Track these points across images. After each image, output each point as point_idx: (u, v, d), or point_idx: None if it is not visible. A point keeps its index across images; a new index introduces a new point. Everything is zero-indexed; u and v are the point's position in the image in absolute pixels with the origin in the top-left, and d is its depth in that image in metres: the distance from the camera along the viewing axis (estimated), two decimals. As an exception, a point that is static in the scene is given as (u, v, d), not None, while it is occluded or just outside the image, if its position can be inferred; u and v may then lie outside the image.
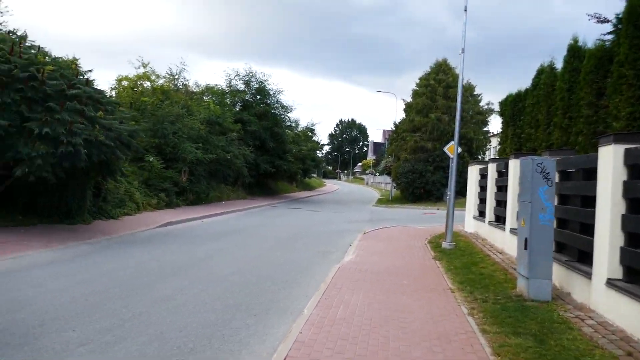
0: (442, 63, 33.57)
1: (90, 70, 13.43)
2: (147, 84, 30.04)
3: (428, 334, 5.54)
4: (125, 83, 32.17)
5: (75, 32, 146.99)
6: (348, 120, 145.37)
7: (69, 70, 12.52)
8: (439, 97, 32.57)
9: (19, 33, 13.51)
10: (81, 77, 12.73)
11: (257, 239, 14.05)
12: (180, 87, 34.86)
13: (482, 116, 33.42)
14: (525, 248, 7.11)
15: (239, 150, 25.84)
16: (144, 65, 32.44)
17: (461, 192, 34.37)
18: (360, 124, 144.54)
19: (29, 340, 5.14)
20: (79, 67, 13.26)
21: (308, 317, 6.11)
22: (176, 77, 34.33)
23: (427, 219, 23.21)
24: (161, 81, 33.33)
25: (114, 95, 35.08)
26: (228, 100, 31.99)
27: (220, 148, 24.04)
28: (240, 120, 30.97)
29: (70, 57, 14.30)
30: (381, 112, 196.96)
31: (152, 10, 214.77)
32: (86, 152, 11.17)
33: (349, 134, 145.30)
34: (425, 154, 32.69)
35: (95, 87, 13.01)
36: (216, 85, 33.52)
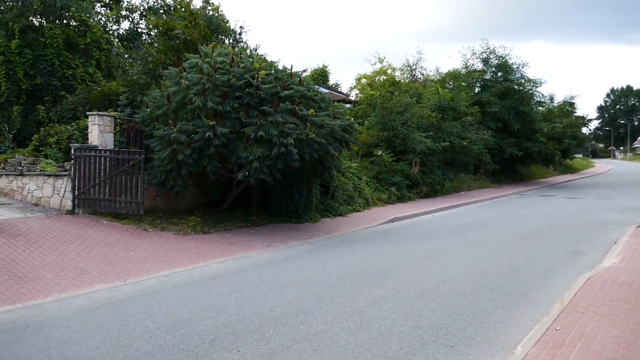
0: None
1: (304, 70, 13.46)
2: (384, 78, 30.15)
3: None
4: (364, 81, 33.12)
5: (326, 47, 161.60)
6: (622, 88, 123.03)
7: (283, 73, 12.73)
8: None
9: (255, 48, 14.55)
10: (297, 78, 12.83)
11: (491, 235, 12.02)
12: (419, 77, 34.08)
13: None
14: None
15: (477, 134, 23.49)
16: (380, 61, 32.71)
17: None
18: (638, 91, 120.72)
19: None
20: (285, 69, 13.38)
21: (520, 360, 4.29)
22: (413, 67, 33.70)
23: None
24: (397, 73, 33.17)
25: (356, 94, 36.47)
26: (464, 83, 29.67)
27: (454, 135, 22.20)
28: (479, 102, 28.34)
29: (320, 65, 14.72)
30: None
31: (388, 13, 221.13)
32: (297, 151, 11.08)
33: (624, 104, 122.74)
34: None
35: (309, 85, 12.97)
36: (453, 69, 31.54)
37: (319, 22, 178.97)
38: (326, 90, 43.88)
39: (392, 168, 19.89)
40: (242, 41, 26.39)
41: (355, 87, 38.31)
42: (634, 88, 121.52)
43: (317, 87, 14.46)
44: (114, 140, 12.81)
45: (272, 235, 12.00)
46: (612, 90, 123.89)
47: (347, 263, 9.13)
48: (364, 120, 23.15)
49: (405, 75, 33.91)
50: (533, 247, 10.29)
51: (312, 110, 11.78)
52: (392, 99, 21.72)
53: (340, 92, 43.13)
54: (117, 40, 23.09)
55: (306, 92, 12.41)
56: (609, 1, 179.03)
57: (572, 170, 49.25)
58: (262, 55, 17.16)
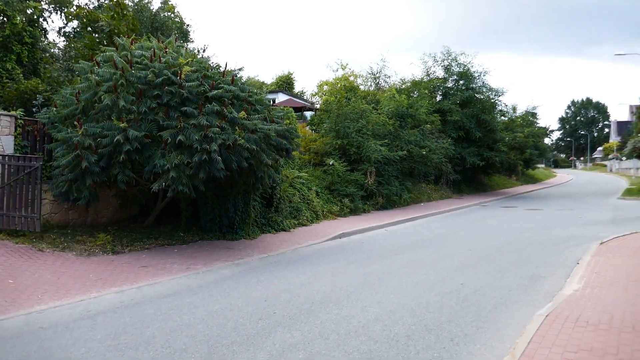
0: None
1: (240, 69, 12.06)
2: (347, 84, 29.02)
3: None
4: (326, 88, 31.90)
5: (297, 55, 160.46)
6: (582, 100, 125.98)
7: (215, 71, 11.28)
8: None
9: (203, 48, 12.92)
10: (229, 77, 11.39)
11: (443, 255, 10.79)
12: (383, 85, 33.07)
13: None
14: None
15: (437, 143, 22.45)
16: (343, 67, 31.59)
17: None
18: (597, 103, 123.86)
19: None
20: (218, 66, 11.94)
21: None
22: (377, 75, 32.73)
23: None
24: (359, 80, 32.09)
25: (317, 101, 35.12)
26: (425, 90, 28.79)
27: (412, 143, 21.09)
28: (440, 110, 27.49)
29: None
30: (623, 86, 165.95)
31: (362, 23, 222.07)
32: (223, 158, 9.60)
33: (584, 116, 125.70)
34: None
35: (244, 85, 11.55)
36: (412, 75, 30.71)
37: (289, 31, 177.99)
38: (286, 97, 42.62)
39: (346, 178, 18.61)
40: (192, 40, 24.79)
41: (316, 93, 37.05)
42: (594, 100, 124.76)
43: (259, 90, 13.10)
44: (15, 144, 11.05)
45: (197, 256, 10.46)
46: (573, 102, 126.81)
47: (270, 293, 7.69)
48: (321, 127, 21.89)
49: (369, 83, 32.95)
50: (488, 270, 9.07)
51: (242, 112, 10.34)
52: (348, 105, 20.47)
53: (304, 100, 41.90)
54: (62, 37, 21.20)
55: (239, 92, 10.97)
56: (568, 18, 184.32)
57: (534, 180, 49.21)
58: (206, 57, 15.62)
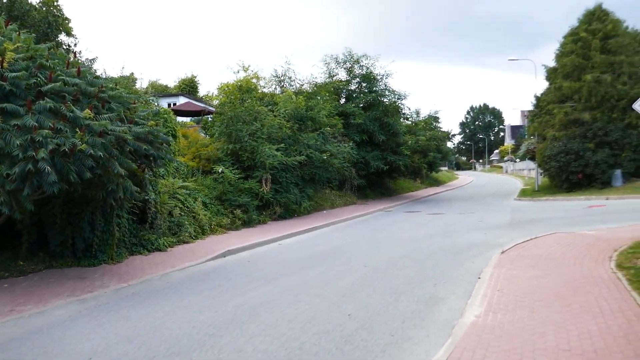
0: (595, 9, 25.65)
1: (92, 60, 10.05)
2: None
3: None
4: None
5: (207, 60, 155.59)
6: (480, 106, 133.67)
7: (55, 61, 9.17)
8: (594, 52, 24.82)
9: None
10: (74, 68, 9.32)
11: (335, 273, 9.47)
12: (288, 88, 31.70)
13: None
14: None
15: (338, 147, 21.40)
16: (245, 69, 29.75)
17: (637, 172, 26.27)
18: (493, 108, 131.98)
19: None
20: (64, 56, 9.84)
21: None
22: (281, 78, 31.26)
23: (595, 216, 16.63)
24: (262, 83, 30.47)
25: (217, 104, 33.01)
26: (328, 93, 27.86)
27: (312, 147, 19.84)
28: (343, 113, 26.64)
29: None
30: (516, 93, 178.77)
31: (275, 31, 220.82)
32: (57, 169, 7.58)
33: (482, 120, 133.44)
34: (582, 128, 25.22)
35: (94, 79, 9.53)
36: (311, 76, 29.66)
37: (199, 36, 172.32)
38: (185, 100, 39.94)
39: (239, 186, 16.91)
40: (75, 37, 21.94)
41: (217, 96, 34.97)
42: (490, 106, 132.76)
43: (120, 86, 11.09)
44: None
45: (33, 291, 8.30)
46: (472, 108, 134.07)
47: (103, 344, 5.85)
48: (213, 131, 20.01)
49: (273, 86, 31.44)
50: (381, 293, 7.84)
51: (87, 111, 8.34)
52: (242, 106, 18.79)
53: (206, 103, 39.49)
54: None
55: (86, 86, 8.98)
56: (465, 29, 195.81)
57: (438, 182, 50.38)
58: (91, 59, 13.22)
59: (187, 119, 35.09)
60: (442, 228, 15.71)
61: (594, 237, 11.57)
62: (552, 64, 28.84)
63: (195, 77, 67.14)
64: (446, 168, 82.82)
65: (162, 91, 62.20)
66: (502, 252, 10.32)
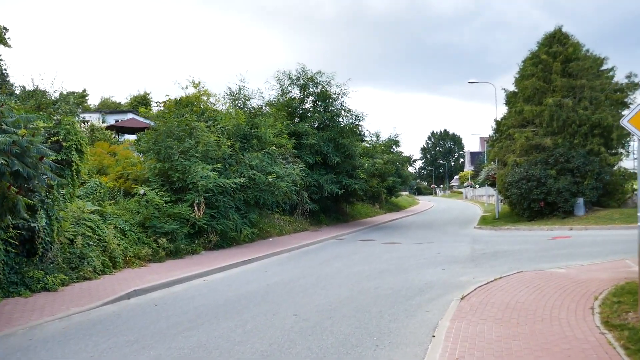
0: (556, 32, 24.93)
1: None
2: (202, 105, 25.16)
3: None
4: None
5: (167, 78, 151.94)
6: (440, 132, 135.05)
7: None
8: (555, 75, 23.97)
9: None
10: None
11: (254, 327, 7.44)
12: (242, 107, 29.76)
13: (621, 95, 24.22)
14: None
15: (285, 169, 19.48)
16: (195, 86, 27.67)
17: (599, 201, 25.40)
18: (454, 135, 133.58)
19: None
20: None
21: None
22: (235, 96, 29.28)
23: (561, 249, 15.22)
24: (212, 99, 28.44)
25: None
26: (281, 111, 26.06)
27: (256, 168, 17.86)
28: (296, 132, 24.87)
29: None
30: (475, 120, 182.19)
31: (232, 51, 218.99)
32: None
33: (443, 146, 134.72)
34: (543, 153, 24.19)
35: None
36: (259, 90, 27.80)
37: (155, 55, 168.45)
38: (131, 116, 37.39)
39: (167, 211, 14.72)
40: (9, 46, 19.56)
41: (158, 112, 32.57)
42: (450, 132, 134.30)
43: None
44: None
45: None
46: (433, 134, 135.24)
47: None
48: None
49: (227, 104, 29.41)
50: (306, 360, 5.87)
51: None
52: (174, 120, 16.70)
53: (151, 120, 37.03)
54: None
55: None
56: (423, 59, 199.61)
57: (398, 207, 49.06)
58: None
59: (132, 137, 32.81)
60: (396, 262, 13.91)
61: (566, 278, 9.97)
62: (512, 88, 28.11)
63: (149, 94, 64.57)
64: (407, 193, 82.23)
65: (114, 108, 59.32)
66: (462, 298, 8.54)
